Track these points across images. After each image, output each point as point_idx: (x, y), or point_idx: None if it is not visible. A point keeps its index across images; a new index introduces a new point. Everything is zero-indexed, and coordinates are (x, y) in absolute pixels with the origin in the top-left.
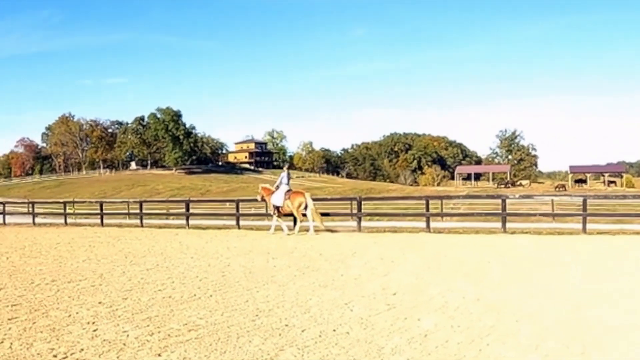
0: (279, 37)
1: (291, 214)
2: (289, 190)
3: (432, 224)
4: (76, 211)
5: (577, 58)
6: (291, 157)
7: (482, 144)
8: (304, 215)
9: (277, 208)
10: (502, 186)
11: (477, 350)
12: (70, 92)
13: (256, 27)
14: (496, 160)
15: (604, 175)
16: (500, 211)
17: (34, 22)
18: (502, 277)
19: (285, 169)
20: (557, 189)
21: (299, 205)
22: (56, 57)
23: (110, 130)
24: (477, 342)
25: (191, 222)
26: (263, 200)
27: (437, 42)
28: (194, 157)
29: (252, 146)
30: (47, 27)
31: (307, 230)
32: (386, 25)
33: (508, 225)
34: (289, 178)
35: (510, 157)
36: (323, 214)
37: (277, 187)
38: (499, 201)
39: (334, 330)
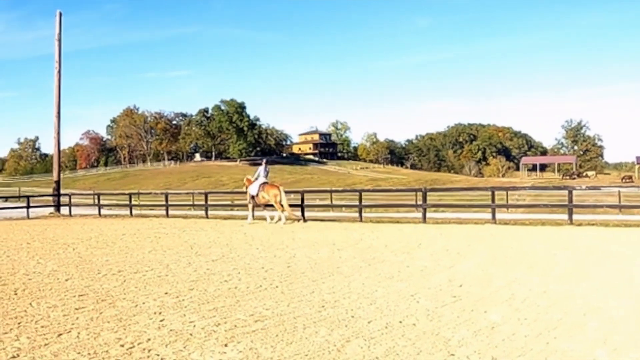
0: (343, 28)
1: (268, 205)
2: (264, 183)
3: (498, 216)
4: (141, 202)
5: None
6: (355, 148)
7: (548, 134)
8: (282, 205)
9: (253, 198)
10: (568, 177)
11: (544, 344)
12: (134, 85)
13: (320, 17)
14: (562, 151)
15: None
16: (566, 203)
17: (99, 16)
18: (569, 269)
19: (263, 163)
20: (623, 180)
21: (275, 197)
22: (120, 50)
23: (174, 122)
24: (544, 336)
25: (256, 213)
26: (245, 189)
27: (502, 30)
28: (258, 149)
29: (316, 137)
30: (111, 22)
31: (280, 219)
32: (450, 14)
33: (574, 217)
34: (267, 172)
35: (576, 147)
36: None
37: (256, 179)
38: (565, 192)
39: (400, 322)
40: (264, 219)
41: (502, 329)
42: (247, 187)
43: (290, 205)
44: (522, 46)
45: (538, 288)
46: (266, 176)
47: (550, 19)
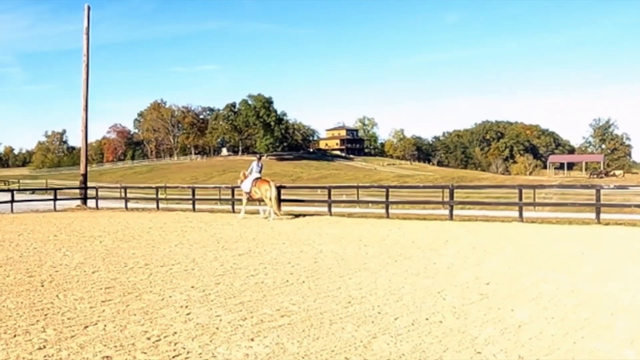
0: (371, 24)
1: (260, 200)
2: (257, 179)
3: (525, 214)
4: (168, 196)
5: None
6: (382, 145)
7: (576, 132)
8: (271, 200)
9: (247, 193)
10: (595, 176)
11: (571, 343)
12: (162, 79)
13: (348, 13)
14: (589, 150)
15: None
16: (594, 202)
17: (127, 10)
18: (596, 268)
19: (257, 158)
20: None
21: (265, 192)
22: (148, 44)
23: (201, 117)
24: (571, 335)
25: (283, 208)
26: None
27: (531, 28)
28: (285, 144)
29: (343, 133)
30: (139, 15)
31: (267, 215)
32: (480, 11)
33: (602, 216)
34: (260, 167)
35: (603, 146)
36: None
37: (249, 174)
38: (593, 191)
39: (427, 319)
40: (260, 214)
41: (529, 327)
42: (242, 181)
43: (311, 201)
44: (551, 43)
45: (565, 287)
46: (259, 171)
47: (579, 17)
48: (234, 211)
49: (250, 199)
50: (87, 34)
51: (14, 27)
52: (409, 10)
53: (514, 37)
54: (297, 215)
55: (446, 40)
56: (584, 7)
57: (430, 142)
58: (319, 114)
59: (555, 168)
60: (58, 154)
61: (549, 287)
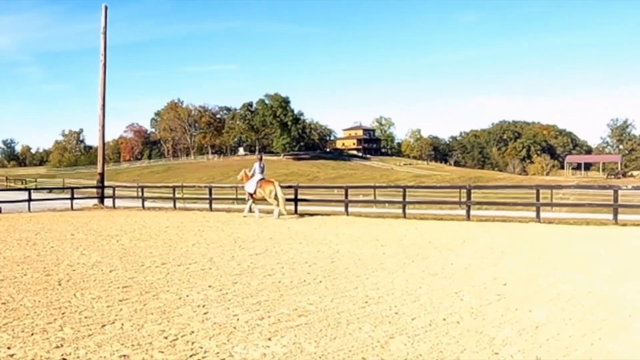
0: (388, 23)
1: (263, 200)
2: (261, 179)
3: (542, 214)
4: (185, 195)
5: None
6: (399, 144)
7: (593, 133)
8: (276, 199)
9: (250, 195)
10: (612, 177)
11: (589, 344)
12: (179, 78)
13: (365, 12)
14: (607, 150)
15: None
16: (611, 202)
17: (144, 9)
18: (614, 269)
19: (258, 159)
20: None
21: (270, 193)
22: (165, 44)
23: (218, 116)
24: (588, 336)
25: (299, 207)
26: (242, 181)
27: (548, 27)
28: (302, 143)
29: (360, 133)
30: (156, 15)
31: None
32: (497, 10)
33: (619, 217)
34: (262, 168)
35: (621, 147)
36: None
37: (252, 175)
38: (610, 192)
39: (444, 319)
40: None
41: (547, 328)
42: (244, 181)
43: (328, 201)
44: (569, 43)
45: (583, 288)
46: (262, 172)
47: (597, 16)
48: (250, 210)
49: (254, 199)
50: (104, 33)
51: (32, 27)
52: (426, 9)
53: (531, 36)
54: (313, 215)
55: (463, 40)
56: (602, 6)
57: (447, 142)
58: (336, 113)
59: (573, 168)
60: (75, 153)
61: (566, 288)
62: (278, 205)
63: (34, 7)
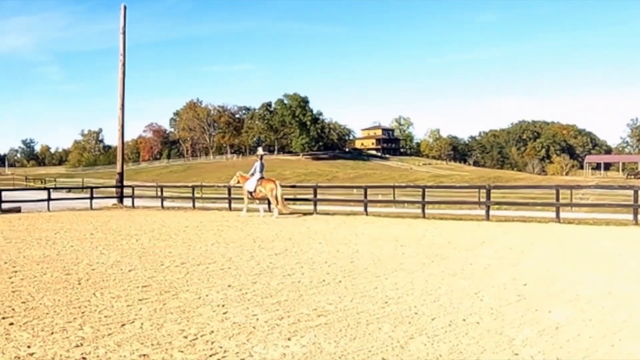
0: (407, 22)
1: (264, 198)
2: (261, 178)
3: (562, 214)
4: (204, 195)
5: None
6: (418, 144)
7: (612, 132)
8: (277, 199)
9: (250, 193)
10: (632, 177)
11: (609, 346)
12: (198, 78)
13: (383, 11)
14: (626, 150)
15: None
16: (631, 202)
17: (163, 9)
18: (634, 270)
19: (259, 159)
20: None
21: (271, 191)
22: (184, 44)
23: (237, 116)
24: (609, 337)
25: (319, 207)
26: (238, 184)
27: (566, 26)
28: (320, 143)
29: (379, 132)
30: (175, 15)
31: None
32: (516, 10)
33: None
34: (262, 167)
35: None
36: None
37: (252, 174)
38: (630, 192)
39: (464, 320)
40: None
41: (567, 329)
42: (238, 181)
43: (347, 201)
44: (588, 42)
45: (603, 288)
46: (262, 171)
47: (616, 15)
48: (269, 210)
49: (254, 198)
50: (124, 33)
51: (52, 27)
52: (445, 9)
53: (551, 35)
54: (332, 215)
55: (483, 39)
56: (622, 5)
57: (467, 142)
58: (355, 113)
59: (592, 168)
60: (94, 153)
61: (586, 289)
62: (278, 204)
63: (53, 7)
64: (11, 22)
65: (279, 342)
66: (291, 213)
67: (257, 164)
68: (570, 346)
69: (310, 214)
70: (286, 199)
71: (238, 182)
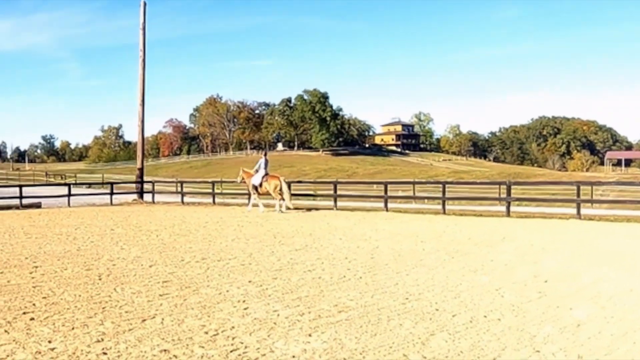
0: (427, 17)
1: (268, 194)
2: (266, 174)
3: (582, 211)
4: (224, 191)
5: None
6: (438, 140)
7: (633, 128)
8: (280, 195)
9: (255, 188)
10: None
11: (630, 343)
12: (217, 74)
13: (403, 7)
14: None
15: None
16: None
17: (182, 5)
18: None
19: (263, 155)
20: None
21: (275, 187)
22: (204, 39)
23: (257, 112)
24: (630, 335)
25: (339, 203)
26: (243, 181)
27: (588, 22)
28: (340, 139)
29: (399, 128)
30: (194, 11)
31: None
32: (537, 5)
33: None
34: (267, 164)
35: None
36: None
37: (256, 171)
38: None
39: (485, 317)
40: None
41: (588, 326)
42: (243, 179)
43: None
44: (608, 38)
45: (624, 286)
46: (266, 167)
47: (638, 10)
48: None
49: (258, 194)
50: (143, 29)
51: (71, 24)
52: (466, 4)
53: (572, 31)
54: (352, 210)
55: (503, 35)
56: None
57: (487, 138)
58: (375, 109)
59: (613, 164)
60: (114, 149)
61: (607, 286)
62: (283, 199)
63: (72, 4)
64: (31, 19)
65: (299, 337)
66: (296, 208)
67: (262, 161)
68: (592, 343)
69: (316, 209)
70: (303, 195)
71: (243, 179)
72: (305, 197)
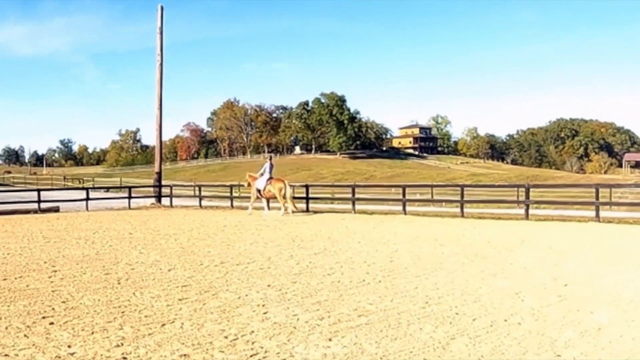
0: (444, 20)
1: (272, 197)
2: (270, 178)
3: (601, 214)
4: (242, 194)
5: None
6: (455, 143)
7: None
8: (284, 198)
9: (259, 191)
10: None
11: None
12: (235, 77)
13: (420, 10)
14: None
15: None
16: None
17: (200, 9)
18: None
19: (268, 160)
20: None
21: (280, 190)
22: (221, 43)
23: (274, 115)
24: None
25: (357, 206)
26: (249, 185)
27: (605, 23)
28: (358, 142)
29: (416, 131)
30: (212, 14)
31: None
32: (555, 7)
33: None
34: (271, 168)
35: None
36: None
37: (261, 175)
38: None
39: (505, 321)
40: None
41: (609, 330)
42: (249, 183)
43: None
44: (625, 39)
45: None
46: (271, 171)
47: None
48: (307, 210)
49: (262, 197)
50: (161, 33)
51: (89, 28)
52: (484, 6)
53: (590, 32)
54: (371, 214)
55: (520, 37)
56: None
57: (504, 141)
58: (392, 112)
59: (631, 167)
60: (131, 153)
61: (628, 289)
62: (287, 203)
63: (89, 8)
64: (49, 24)
65: (319, 342)
66: (301, 211)
67: (267, 165)
68: (613, 348)
69: (315, 212)
70: (321, 198)
71: (249, 183)
72: (323, 201)
